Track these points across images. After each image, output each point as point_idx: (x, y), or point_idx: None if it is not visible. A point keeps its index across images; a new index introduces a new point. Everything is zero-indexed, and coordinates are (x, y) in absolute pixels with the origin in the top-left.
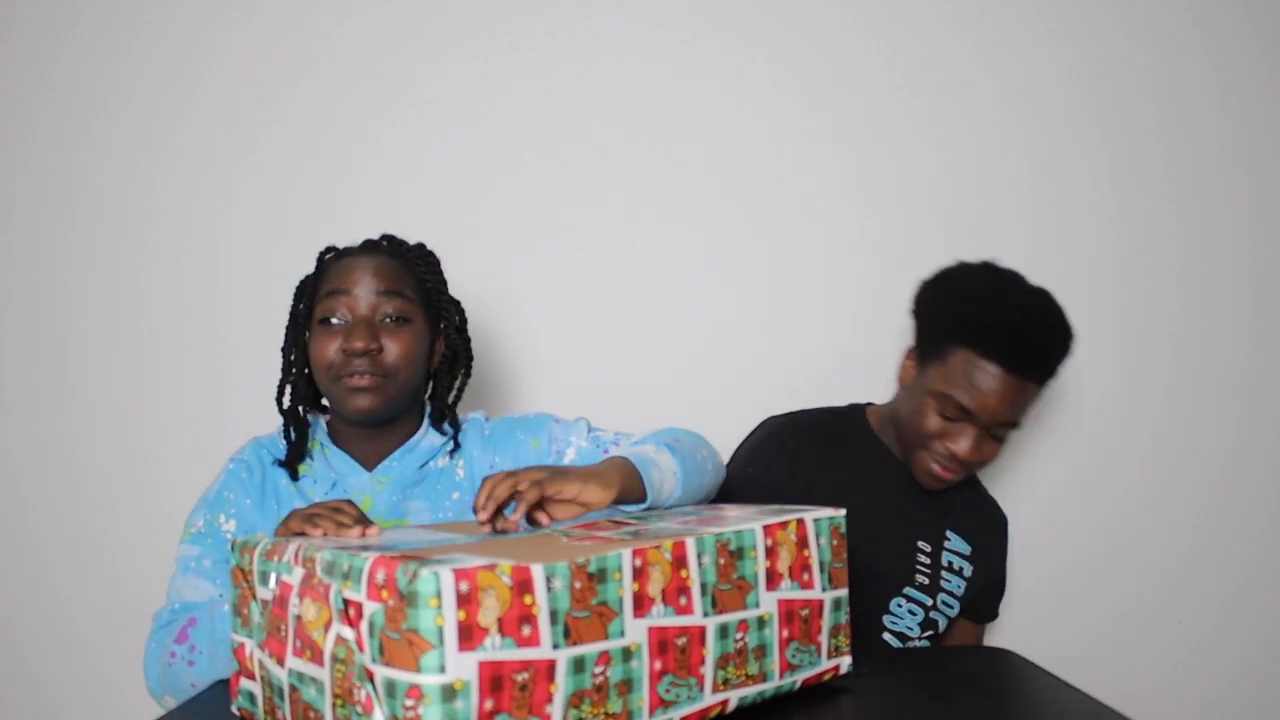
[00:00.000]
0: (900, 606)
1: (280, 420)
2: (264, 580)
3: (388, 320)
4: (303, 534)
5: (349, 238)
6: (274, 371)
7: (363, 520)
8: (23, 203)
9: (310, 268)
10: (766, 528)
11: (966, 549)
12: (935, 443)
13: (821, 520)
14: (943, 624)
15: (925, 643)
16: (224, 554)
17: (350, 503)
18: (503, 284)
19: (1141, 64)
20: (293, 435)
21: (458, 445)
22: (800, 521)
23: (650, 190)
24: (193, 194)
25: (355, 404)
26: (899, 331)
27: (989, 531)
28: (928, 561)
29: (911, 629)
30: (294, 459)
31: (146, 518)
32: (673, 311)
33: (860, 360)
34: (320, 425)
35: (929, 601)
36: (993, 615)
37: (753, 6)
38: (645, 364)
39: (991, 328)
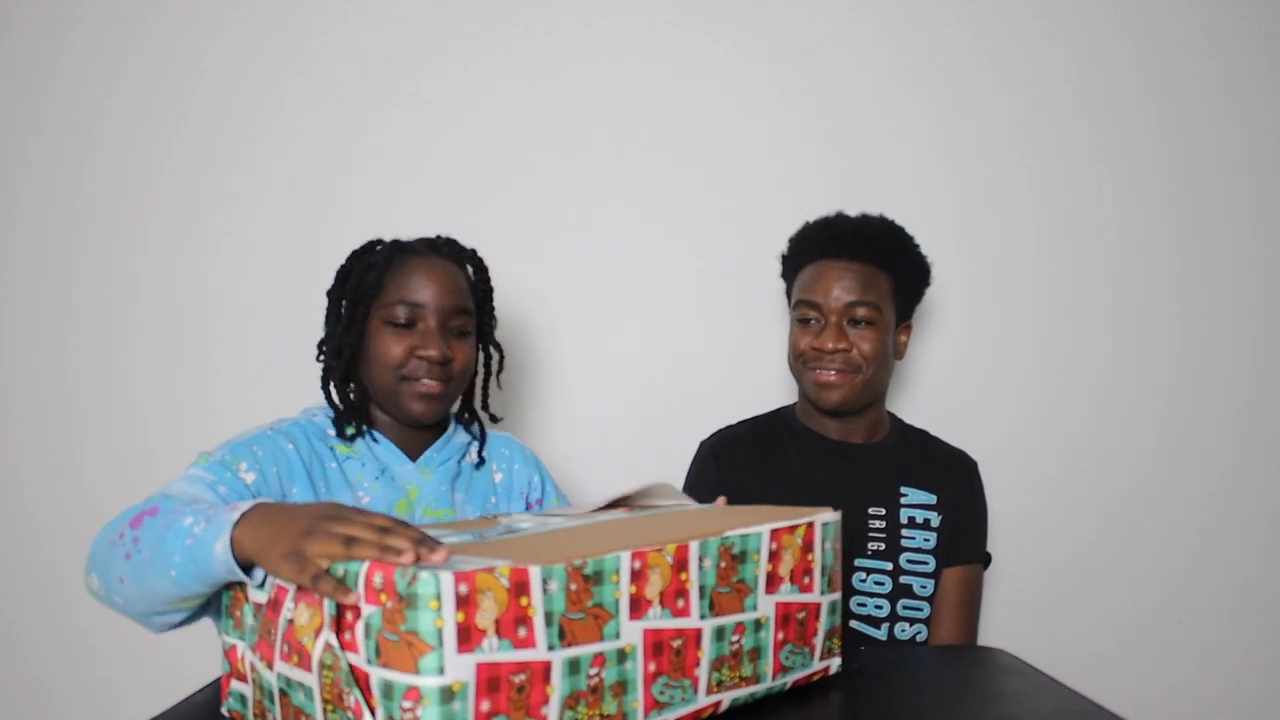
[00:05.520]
0: (862, 581)
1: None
2: (259, 583)
3: (455, 332)
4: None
5: (348, 238)
6: (274, 370)
7: (425, 542)
8: (23, 202)
9: (317, 266)
10: (774, 532)
11: (930, 498)
12: (808, 352)
13: (829, 525)
14: (920, 587)
15: (917, 625)
16: (230, 484)
17: (405, 523)
18: (501, 284)
19: (1142, 64)
20: (340, 410)
21: (483, 459)
22: (810, 525)
23: (650, 191)
24: (193, 193)
25: (417, 408)
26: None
27: (952, 474)
28: (882, 525)
29: (881, 606)
30: (354, 426)
31: None
32: (672, 311)
33: None
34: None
35: (889, 566)
36: (977, 557)
37: (754, 7)
38: (645, 363)
39: (803, 233)
